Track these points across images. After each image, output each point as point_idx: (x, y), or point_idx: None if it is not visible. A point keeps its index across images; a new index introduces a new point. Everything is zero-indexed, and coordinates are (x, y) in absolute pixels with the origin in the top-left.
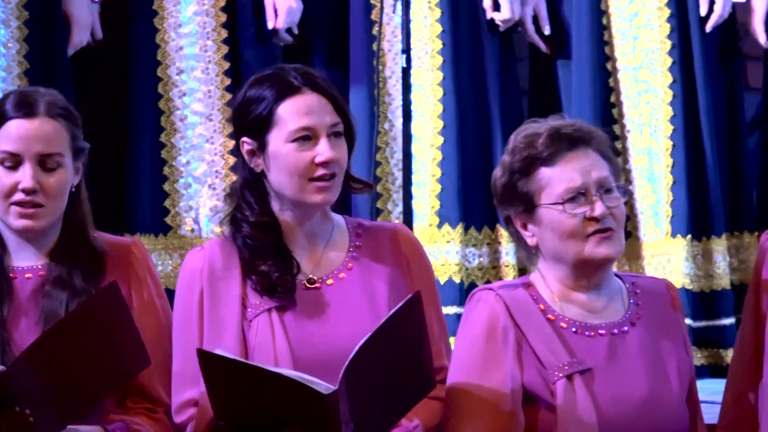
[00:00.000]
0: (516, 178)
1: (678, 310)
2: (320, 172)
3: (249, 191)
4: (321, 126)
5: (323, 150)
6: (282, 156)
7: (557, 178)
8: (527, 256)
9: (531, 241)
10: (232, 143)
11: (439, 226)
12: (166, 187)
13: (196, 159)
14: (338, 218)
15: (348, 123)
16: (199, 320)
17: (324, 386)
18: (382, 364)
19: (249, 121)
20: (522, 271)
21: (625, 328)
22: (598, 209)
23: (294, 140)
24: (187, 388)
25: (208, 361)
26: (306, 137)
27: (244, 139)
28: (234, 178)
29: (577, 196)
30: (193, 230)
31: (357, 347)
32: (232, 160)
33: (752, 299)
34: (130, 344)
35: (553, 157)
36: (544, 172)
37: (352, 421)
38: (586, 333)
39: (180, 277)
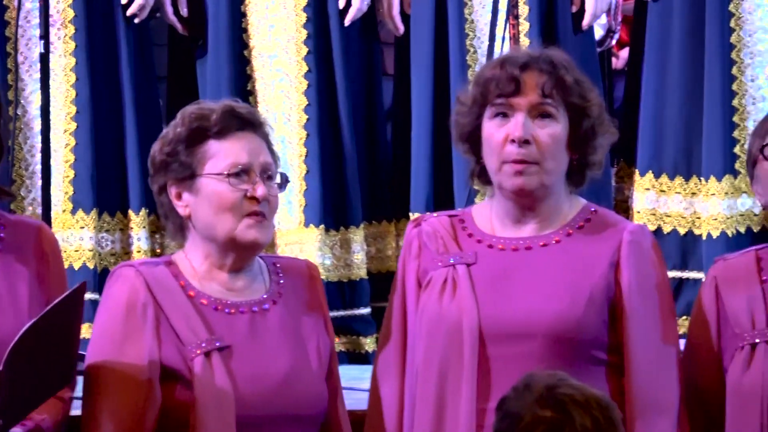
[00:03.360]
0: (181, 148)
1: (318, 290)
2: None
3: None
4: None
5: None
6: None
7: (225, 152)
8: (173, 230)
9: (183, 212)
10: None
11: (73, 212)
12: None
13: None
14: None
15: None
16: None
17: None
18: (38, 351)
19: None
20: (156, 257)
21: (266, 306)
22: (260, 190)
23: None
24: None
25: None
26: None
27: None
28: None
29: (241, 173)
30: None
31: (21, 331)
32: None
33: None
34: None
35: (224, 132)
36: (212, 144)
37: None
38: (226, 310)
39: None
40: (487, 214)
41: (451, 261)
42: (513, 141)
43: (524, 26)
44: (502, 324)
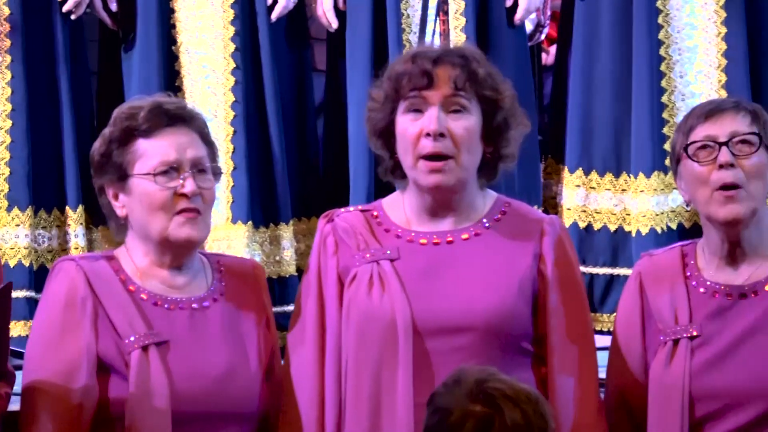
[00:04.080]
0: (113, 148)
1: (262, 291)
2: None
3: None
4: None
5: None
6: None
7: (153, 151)
8: (116, 229)
9: (121, 212)
10: None
11: (9, 209)
12: None
13: None
14: None
15: None
16: None
17: None
18: None
19: None
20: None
21: (206, 303)
22: (189, 186)
23: None
24: None
25: None
26: None
27: None
28: None
29: (170, 170)
30: None
31: None
32: None
33: None
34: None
35: (152, 130)
36: (141, 144)
37: None
38: (166, 306)
39: None
40: (401, 208)
41: (375, 256)
42: (428, 135)
43: (460, 21)
44: (437, 318)
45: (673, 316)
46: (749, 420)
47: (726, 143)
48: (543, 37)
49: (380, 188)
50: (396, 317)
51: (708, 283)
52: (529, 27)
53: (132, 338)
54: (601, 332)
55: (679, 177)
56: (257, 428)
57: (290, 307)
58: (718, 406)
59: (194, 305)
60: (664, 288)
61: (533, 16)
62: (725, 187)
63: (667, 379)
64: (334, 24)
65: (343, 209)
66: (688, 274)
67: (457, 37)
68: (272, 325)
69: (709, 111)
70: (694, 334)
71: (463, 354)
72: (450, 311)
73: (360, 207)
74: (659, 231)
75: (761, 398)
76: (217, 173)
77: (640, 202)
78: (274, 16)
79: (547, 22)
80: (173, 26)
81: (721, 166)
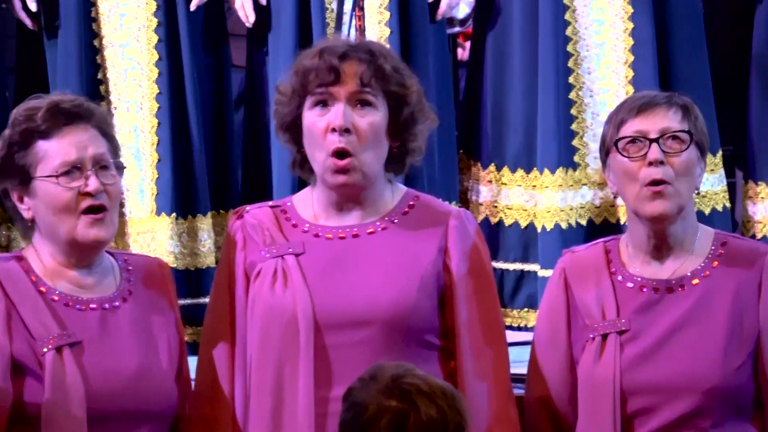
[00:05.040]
0: (14, 150)
1: (170, 287)
2: None
3: None
4: None
5: None
6: None
7: (53, 152)
8: (24, 231)
9: (27, 215)
10: None
11: None
12: None
13: None
14: None
15: None
16: None
17: None
18: None
19: None
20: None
21: (117, 303)
22: (92, 184)
23: None
24: None
25: None
26: None
27: None
28: None
29: (72, 170)
30: None
31: None
32: None
33: None
34: None
35: (51, 130)
36: (41, 145)
37: None
38: (77, 307)
39: None
40: (309, 203)
41: (280, 252)
42: (334, 130)
43: (384, 15)
44: (339, 312)
45: (600, 312)
46: (681, 413)
47: (657, 140)
48: (456, 30)
49: (305, 182)
50: (297, 312)
51: (635, 277)
52: (465, 11)
53: (46, 339)
54: (511, 327)
55: (607, 169)
56: (171, 425)
57: (207, 299)
58: (650, 400)
59: (105, 305)
60: (590, 284)
61: (467, 9)
62: (654, 182)
63: (598, 375)
64: (251, 18)
65: (253, 205)
66: (613, 269)
67: (381, 32)
68: (179, 322)
69: (641, 105)
70: (623, 329)
71: (366, 348)
72: (351, 305)
73: (270, 203)
74: (564, 227)
75: (692, 391)
76: (120, 168)
77: (545, 198)
78: (193, 4)
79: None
80: (95, 19)
81: (650, 163)
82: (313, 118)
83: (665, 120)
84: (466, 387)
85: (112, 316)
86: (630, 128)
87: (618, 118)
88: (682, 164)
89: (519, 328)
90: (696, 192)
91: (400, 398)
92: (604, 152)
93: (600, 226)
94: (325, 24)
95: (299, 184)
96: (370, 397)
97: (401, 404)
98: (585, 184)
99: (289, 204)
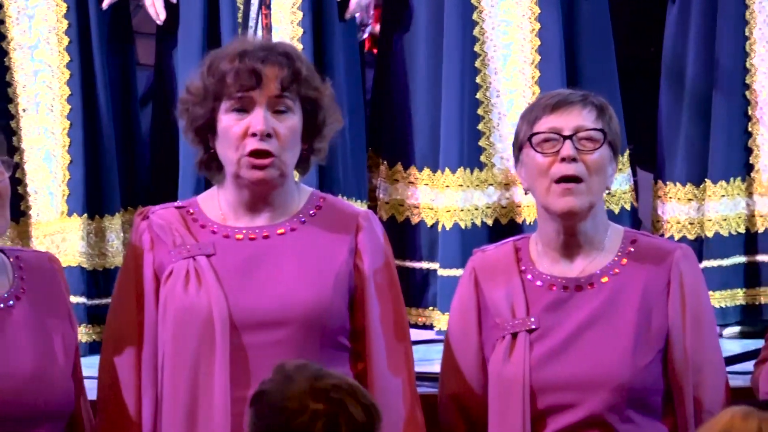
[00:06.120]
0: None
1: (61, 283)
2: None
3: None
4: None
5: None
6: None
7: None
8: None
9: None
10: None
11: None
12: None
13: None
14: None
15: None
16: None
17: None
18: None
19: None
20: None
21: (11, 302)
22: None
23: None
24: None
25: None
26: None
27: None
28: None
29: None
30: None
31: None
32: None
33: None
34: None
35: None
36: None
37: None
38: None
39: None
40: (216, 204)
41: (191, 252)
42: (254, 134)
43: (297, 15)
44: (254, 313)
45: (510, 310)
46: (590, 410)
47: (570, 137)
48: (365, 36)
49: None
50: (213, 312)
51: (544, 276)
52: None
53: None
54: (417, 326)
55: (520, 164)
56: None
57: None
58: (560, 397)
59: (0, 305)
60: (500, 283)
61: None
62: (564, 179)
63: (507, 372)
64: (162, 16)
65: (158, 206)
66: (523, 268)
67: (294, 31)
68: (73, 320)
69: (556, 103)
70: (532, 327)
71: (281, 348)
72: (267, 306)
73: (175, 204)
74: (464, 226)
75: (600, 388)
76: (9, 165)
77: (446, 198)
78: (105, 4)
79: (370, 21)
80: (2, 22)
81: (563, 159)
82: (230, 122)
83: (579, 118)
84: (376, 386)
85: (6, 315)
86: (544, 125)
87: (532, 114)
88: (595, 162)
89: (425, 327)
90: (607, 191)
91: (327, 400)
92: (517, 148)
93: (506, 226)
94: (236, 24)
95: (206, 184)
96: (293, 400)
97: (330, 406)
98: (491, 185)
99: (194, 205)
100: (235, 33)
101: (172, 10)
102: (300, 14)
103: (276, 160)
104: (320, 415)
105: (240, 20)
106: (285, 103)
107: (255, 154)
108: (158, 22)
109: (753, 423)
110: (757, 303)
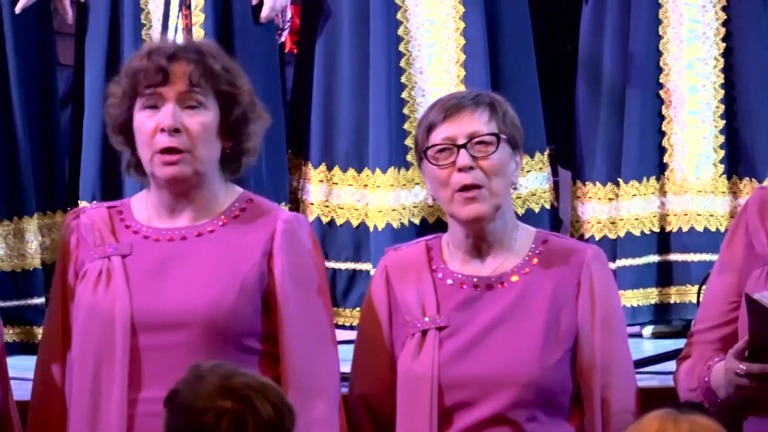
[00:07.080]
0: None
1: None
2: None
3: None
4: None
5: None
6: None
7: None
8: None
9: None
10: None
11: None
12: None
13: None
14: None
15: None
16: None
17: None
18: None
19: None
20: None
21: None
22: None
23: None
24: None
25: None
26: None
27: None
28: None
29: None
30: None
31: None
32: None
33: None
34: None
35: None
36: None
37: None
38: None
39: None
40: (144, 206)
41: (107, 252)
42: (163, 130)
43: (199, 17)
44: (156, 314)
45: (420, 308)
46: (498, 407)
47: (464, 145)
48: (283, 39)
49: (109, 183)
50: (115, 313)
51: (456, 274)
52: None
53: None
54: (343, 327)
55: (423, 173)
56: None
57: (34, 300)
58: (468, 394)
59: None
60: (411, 281)
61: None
62: (465, 188)
63: (416, 369)
64: (69, 14)
65: (91, 205)
66: (434, 267)
67: (197, 33)
68: None
69: (448, 110)
70: (442, 325)
71: (184, 350)
72: (169, 307)
73: (108, 203)
74: (396, 226)
75: (508, 385)
76: None
77: (377, 198)
78: (18, 7)
79: (287, 25)
80: None
81: (460, 169)
82: (142, 119)
83: (471, 123)
84: (291, 388)
85: None
86: (438, 135)
87: (427, 122)
88: (493, 166)
89: (351, 327)
90: (513, 188)
91: (236, 398)
92: (418, 157)
93: (433, 225)
94: (140, 25)
95: (102, 186)
96: (202, 398)
97: (238, 404)
98: (417, 184)
99: (127, 205)
100: (139, 35)
101: (85, 11)
102: (202, 16)
103: (186, 155)
104: (227, 412)
105: (144, 21)
106: (195, 98)
107: (165, 151)
108: (68, 21)
109: (684, 426)
110: (670, 302)
